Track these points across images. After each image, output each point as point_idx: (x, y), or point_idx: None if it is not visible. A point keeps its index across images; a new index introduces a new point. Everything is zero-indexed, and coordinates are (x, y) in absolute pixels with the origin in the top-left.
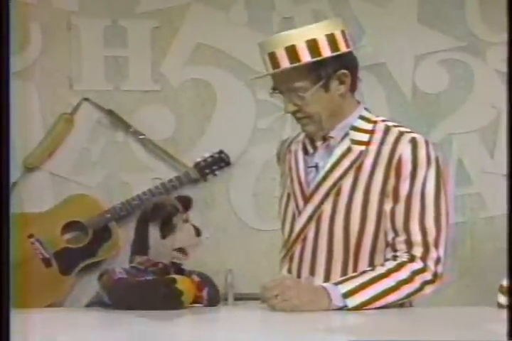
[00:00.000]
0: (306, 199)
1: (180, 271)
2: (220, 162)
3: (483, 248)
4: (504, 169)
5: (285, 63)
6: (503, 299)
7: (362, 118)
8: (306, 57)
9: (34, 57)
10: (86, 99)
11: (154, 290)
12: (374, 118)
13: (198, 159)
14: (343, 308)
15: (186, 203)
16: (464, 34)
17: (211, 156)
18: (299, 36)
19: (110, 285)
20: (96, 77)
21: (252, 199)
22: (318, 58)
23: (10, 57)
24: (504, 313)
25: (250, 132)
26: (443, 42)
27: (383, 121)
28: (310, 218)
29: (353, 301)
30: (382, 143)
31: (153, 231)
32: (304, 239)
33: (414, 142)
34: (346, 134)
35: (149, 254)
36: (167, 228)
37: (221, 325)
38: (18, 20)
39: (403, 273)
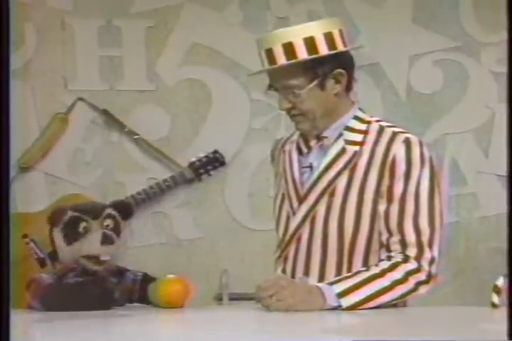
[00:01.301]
0: (301, 200)
1: (120, 271)
2: (214, 162)
3: (477, 248)
4: (498, 169)
5: (282, 60)
6: (496, 299)
7: (356, 118)
8: (303, 54)
9: (28, 57)
10: (81, 99)
11: (87, 291)
12: (368, 119)
13: (193, 159)
14: (338, 308)
15: (121, 209)
16: (459, 34)
17: (206, 156)
18: (296, 33)
19: (42, 292)
20: (90, 77)
21: (247, 199)
22: (315, 56)
23: (10, 57)
24: (498, 313)
25: (245, 132)
26: (437, 43)
27: (377, 121)
28: (304, 218)
29: (347, 301)
30: (376, 143)
31: (58, 237)
32: (299, 240)
33: (408, 142)
34: (340, 134)
35: (60, 259)
36: (71, 235)
37: (216, 325)
38: (13, 19)
39: (397, 274)
